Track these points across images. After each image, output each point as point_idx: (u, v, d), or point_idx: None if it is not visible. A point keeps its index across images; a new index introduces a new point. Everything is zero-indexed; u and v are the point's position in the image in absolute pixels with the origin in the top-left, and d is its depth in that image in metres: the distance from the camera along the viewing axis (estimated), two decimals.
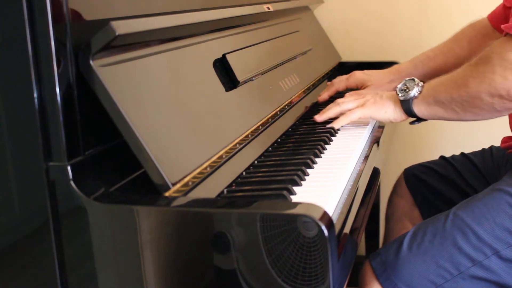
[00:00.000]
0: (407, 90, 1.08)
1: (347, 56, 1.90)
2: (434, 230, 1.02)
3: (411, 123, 1.13)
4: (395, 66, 1.45)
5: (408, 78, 1.09)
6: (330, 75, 1.67)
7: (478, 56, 0.99)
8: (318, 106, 1.39)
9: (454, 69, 1.37)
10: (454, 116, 1.04)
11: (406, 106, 1.08)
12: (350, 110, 1.15)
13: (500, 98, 0.95)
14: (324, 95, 1.39)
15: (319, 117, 1.19)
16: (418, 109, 1.08)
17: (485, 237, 0.99)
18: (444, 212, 1.06)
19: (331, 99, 1.35)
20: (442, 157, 1.40)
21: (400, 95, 1.08)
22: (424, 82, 1.08)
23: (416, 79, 1.08)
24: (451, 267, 0.99)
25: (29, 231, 0.76)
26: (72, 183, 0.71)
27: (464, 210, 1.03)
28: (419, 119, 1.11)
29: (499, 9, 1.32)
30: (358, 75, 1.41)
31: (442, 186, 1.34)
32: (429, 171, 1.38)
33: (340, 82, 1.41)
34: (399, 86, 1.10)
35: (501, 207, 1.01)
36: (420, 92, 1.07)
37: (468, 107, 1.00)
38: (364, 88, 1.37)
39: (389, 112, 1.12)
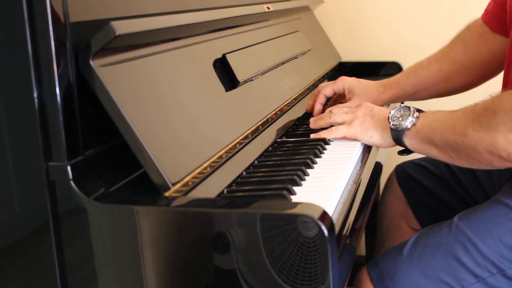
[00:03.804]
0: (400, 119, 0.99)
1: (347, 56, 1.90)
2: (436, 243, 0.99)
3: (400, 153, 1.06)
4: (386, 78, 1.36)
5: (403, 105, 1.01)
6: (330, 75, 1.68)
7: (484, 105, 0.90)
8: None
9: (450, 76, 1.30)
10: (449, 160, 0.97)
11: (396, 136, 1.00)
12: (338, 123, 1.10)
13: (499, 158, 0.88)
14: (317, 106, 1.27)
15: (312, 124, 1.16)
16: (409, 142, 0.99)
17: (490, 255, 0.96)
18: (446, 222, 1.03)
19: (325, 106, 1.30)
20: None
21: (391, 123, 1.00)
22: (419, 112, 1.00)
23: (411, 108, 0.99)
24: (453, 282, 0.96)
25: (29, 231, 0.76)
26: (72, 183, 0.71)
27: (467, 223, 0.99)
28: (409, 150, 1.02)
29: (490, 7, 1.25)
30: (347, 80, 1.29)
31: (434, 185, 1.31)
32: (421, 169, 1.34)
33: (327, 86, 1.29)
34: (392, 112, 1.01)
35: (506, 225, 0.97)
36: (414, 124, 0.98)
37: (464, 156, 0.93)
38: (352, 95, 1.28)
39: (375, 137, 1.05)
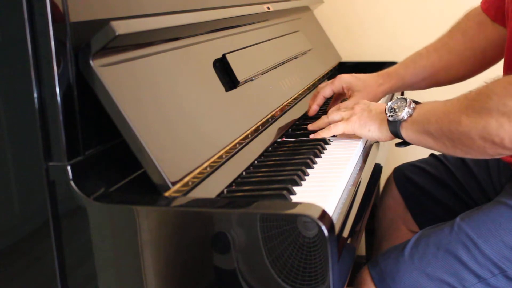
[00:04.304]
0: (397, 110, 0.99)
1: (347, 56, 1.90)
2: (438, 243, 0.99)
3: (397, 145, 1.06)
4: (385, 69, 1.35)
5: (400, 97, 1.01)
6: (330, 75, 1.68)
7: (478, 91, 0.90)
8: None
9: (449, 65, 1.30)
10: (444, 150, 0.96)
11: (393, 127, 1.00)
12: (336, 121, 1.10)
13: (492, 143, 0.87)
14: (314, 107, 1.27)
15: (311, 126, 1.15)
16: (406, 133, 0.99)
17: (492, 255, 0.96)
18: (448, 223, 1.02)
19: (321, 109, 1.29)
20: (432, 155, 1.36)
21: (388, 114, 1.00)
22: (416, 103, 1.00)
23: (408, 99, 0.99)
24: (455, 282, 0.96)
25: (29, 231, 0.76)
26: (72, 183, 0.71)
27: (469, 224, 0.99)
28: (406, 142, 1.02)
29: None
30: (345, 77, 1.28)
31: (433, 187, 1.30)
32: (419, 171, 1.33)
33: (326, 87, 1.28)
34: (389, 103, 1.01)
35: (508, 226, 0.97)
36: (410, 115, 0.98)
37: (459, 145, 0.92)
38: (352, 92, 1.27)
39: (373, 130, 1.05)
